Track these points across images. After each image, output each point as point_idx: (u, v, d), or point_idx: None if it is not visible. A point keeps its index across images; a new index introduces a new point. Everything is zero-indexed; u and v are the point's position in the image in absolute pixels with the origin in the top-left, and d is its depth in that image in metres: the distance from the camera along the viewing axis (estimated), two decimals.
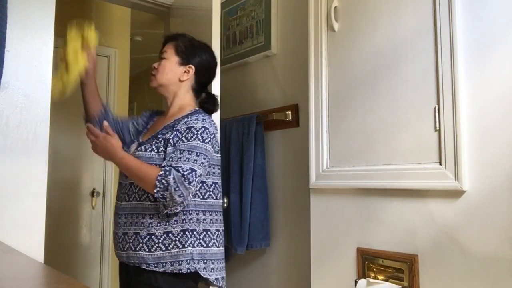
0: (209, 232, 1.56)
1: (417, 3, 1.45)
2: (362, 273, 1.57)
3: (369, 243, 1.56)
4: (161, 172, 1.41)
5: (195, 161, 1.46)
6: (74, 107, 3.11)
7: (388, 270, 1.49)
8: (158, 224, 1.50)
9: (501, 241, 1.22)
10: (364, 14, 1.63)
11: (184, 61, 1.65)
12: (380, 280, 1.51)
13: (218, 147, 1.64)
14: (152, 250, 1.49)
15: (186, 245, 1.49)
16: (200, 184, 1.55)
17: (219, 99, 1.76)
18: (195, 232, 1.52)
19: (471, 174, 1.29)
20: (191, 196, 1.50)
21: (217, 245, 1.58)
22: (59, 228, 3.03)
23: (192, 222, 1.52)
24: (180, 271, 1.48)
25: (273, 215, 2.24)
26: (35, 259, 1.09)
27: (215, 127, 1.60)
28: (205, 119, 1.56)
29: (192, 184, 1.43)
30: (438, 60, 1.38)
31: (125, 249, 1.54)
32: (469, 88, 1.32)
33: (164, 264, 1.48)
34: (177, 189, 1.39)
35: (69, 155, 3.12)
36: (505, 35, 1.25)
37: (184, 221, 1.51)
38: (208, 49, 1.74)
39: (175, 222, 1.50)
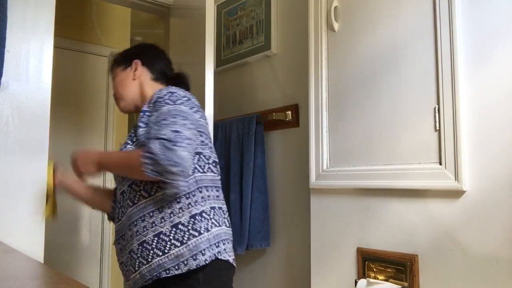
0: (216, 210, 1.39)
1: (417, 3, 1.46)
2: (362, 273, 1.57)
3: (369, 243, 1.56)
4: (142, 149, 1.26)
5: (174, 123, 1.26)
6: (74, 107, 3.11)
7: (388, 270, 1.49)
8: (162, 220, 1.31)
9: (501, 241, 1.22)
10: (364, 14, 1.63)
11: (127, 64, 1.56)
12: (380, 280, 1.51)
13: (200, 111, 1.44)
14: (166, 251, 1.29)
15: (202, 231, 1.31)
16: (198, 156, 1.38)
17: (188, 76, 1.65)
18: (204, 214, 1.34)
19: (471, 174, 1.29)
20: (191, 164, 1.27)
21: (227, 225, 1.43)
22: (59, 228, 3.02)
23: (198, 203, 1.34)
24: (206, 262, 1.29)
25: (273, 215, 2.24)
26: (35, 259, 1.08)
27: (189, 94, 1.43)
28: (169, 87, 1.41)
29: (181, 145, 1.21)
30: (438, 60, 1.38)
31: (136, 269, 1.33)
32: (469, 88, 1.32)
33: (186, 262, 1.28)
34: (164, 155, 1.19)
35: (69, 155, 3.11)
36: (505, 35, 1.25)
37: (189, 205, 1.32)
38: (140, 43, 1.69)
39: (180, 210, 1.31)
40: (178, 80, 1.60)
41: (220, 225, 1.38)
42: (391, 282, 1.47)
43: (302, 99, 2.10)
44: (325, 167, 1.74)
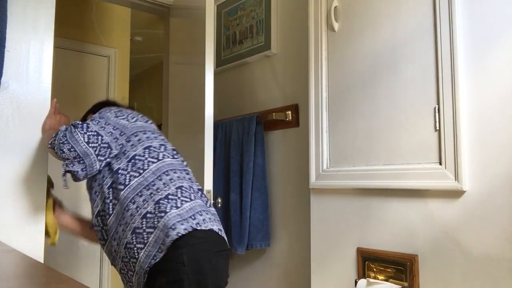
0: (183, 188, 1.42)
1: (417, 3, 1.46)
2: (362, 273, 1.57)
3: (369, 243, 1.56)
4: None
5: (89, 122, 1.45)
6: (74, 107, 3.11)
7: (388, 270, 1.49)
8: (132, 216, 1.37)
9: (501, 241, 1.22)
10: (364, 14, 1.63)
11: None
12: (380, 280, 1.51)
13: (141, 117, 1.59)
14: (145, 241, 1.34)
15: (168, 210, 1.34)
16: (147, 150, 1.46)
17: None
18: (169, 196, 1.38)
19: (471, 174, 1.29)
20: (86, 150, 1.38)
21: (201, 199, 1.45)
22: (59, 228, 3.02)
23: (161, 190, 1.39)
24: (179, 235, 1.30)
25: (273, 215, 2.24)
26: (35, 259, 1.08)
27: (108, 110, 1.55)
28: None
29: (82, 132, 1.38)
30: (438, 60, 1.38)
31: (133, 270, 1.38)
32: (469, 88, 1.32)
33: (163, 242, 1.32)
34: (64, 134, 1.37)
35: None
36: (505, 35, 1.25)
37: (152, 195, 1.38)
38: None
39: (144, 202, 1.37)
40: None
41: (192, 200, 1.41)
42: (391, 282, 1.47)
43: (302, 99, 2.10)
44: (325, 167, 1.74)
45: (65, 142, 1.36)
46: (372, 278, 1.53)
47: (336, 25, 1.73)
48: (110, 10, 3.43)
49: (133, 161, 1.44)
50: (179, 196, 1.40)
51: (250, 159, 2.19)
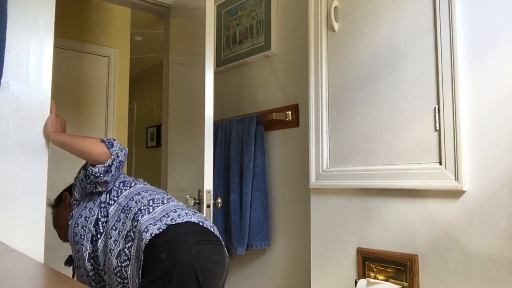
0: (155, 199, 1.49)
1: (417, 3, 1.46)
2: (362, 273, 1.57)
3: (369, 243, 1.56)
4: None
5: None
6: (74, 107, 3.11)
7: (388, 270, 1.49)
8: (115, 242, 1.44)
9: (501, 241, 1.22)
10: (364, 14, 1.63)
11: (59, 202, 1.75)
12: (380, 280, 1.51)
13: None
14: (128, 255, 1.40)
15: (140, 219, 1.41)
16: (122, 183, 1.59)
17: None
18: (142, 208, 1.45)
19: (471, 174, 1.29)
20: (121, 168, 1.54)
21: (175, 201, 1.52)
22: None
23: (134, 207, 1.47)
24: (152, 235, 1.34)
25: (273, 215, 2.24)
26: (35, 259, 1.08)
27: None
28: None
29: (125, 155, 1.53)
30: (438, 60, 1.38)
31: None
32: (469, 88, 1.32)
33: (141, 248, 1.38)
34: (121, 149, 1.50)
35: (69, 155, 3.11)
36: (505, 35, 1.25)
37: (127, 215, 1.46)
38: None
39: (123, 224, 1.46)
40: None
41: (165, 203, 1.48)
42: (391, 282, 1.47)
43: (302, 99, 2.10)
44: (325, 167, 1.74)
45: (123, 160, 1.51)
46: (372, 278, 1.53)
47: (336, 25, 1.73)
48: (110, 10, 3.43)
49: (109, 191, 1.55)
50: (151, 204, 1.47)
51: (250, 159, 2.19)
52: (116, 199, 1.53)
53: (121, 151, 1.51)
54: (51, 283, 0.82)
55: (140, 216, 1.42)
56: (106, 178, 1.49)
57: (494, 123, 1.26)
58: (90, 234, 1.51)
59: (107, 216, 1.50)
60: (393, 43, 1.52)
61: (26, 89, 1.54)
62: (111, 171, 1.49)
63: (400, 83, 1.49)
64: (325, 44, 1.78)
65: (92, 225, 1.51)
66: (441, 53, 1.37)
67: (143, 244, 1.34)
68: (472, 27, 1.32)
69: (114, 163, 1.49)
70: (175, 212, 1.43)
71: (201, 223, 1.43)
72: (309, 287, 1.78)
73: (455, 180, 1.31)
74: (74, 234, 1.55)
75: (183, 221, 1.39)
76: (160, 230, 1.34)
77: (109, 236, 1.47)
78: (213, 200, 1.93)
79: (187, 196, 1.94)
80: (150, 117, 5.34)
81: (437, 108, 1.38)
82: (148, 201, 1.49)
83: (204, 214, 1.88)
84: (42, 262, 1.47)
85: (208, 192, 1.90)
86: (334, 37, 1.75)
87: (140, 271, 1.35)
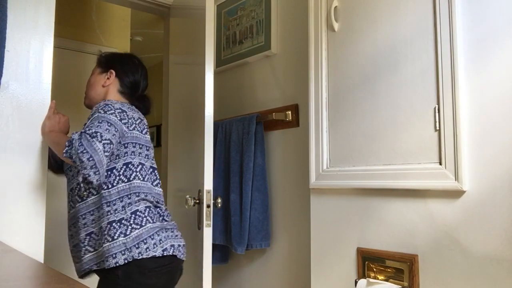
0: (137, 213, 1.49)
1: (417, 3, 1.46)
2: (362, 273, 1.57)
3: (369, 243, 1.56)
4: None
5: (99, 126, 1.40)
6: (74, 107, 3.11)
7: (388, 270, 1.49)
8: (85, 225, 1.52)
9: (501, 241, 1.22)
10: (364, 14, 1.63)
11: (105, 69, 1.70)
12: (380, 280, 1.51)
13: (138, 126, 1.57)
14: (92, 248, 1.52)
15: (115, 238, 1.44)
16: (124, 167, 1.51)
17: (151, 101, 1.79)
18: (122, 220, 1.46)
19: (471, 174, 1.29)
20: (102, 159, 1.38)
21: (152, 221, 1.51)
22: (59, 228, 3.02)
23: (118, 212, 1.46)
24: (117, 264, 1.42)
25: (273, 215, 2.24)
26: (35, 259, 1.08)
27: (128, 107, 1.57)
28: (110, 99, 1.57)
29: (98, 141, 1.36)
30: (438, 60, 1.38)
31: (82, 256, 1.54)
32: (469, 88, 1.32)
33: (105, 260, 1.44)
34: (80, 142, 1.33)
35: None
36: (505, 35, 1.25)
37: (108, 213, 1.46)
38: (127, 55, 1.81)
39: (99, 218, 1.48)
40: (140, 100, 1.74)
41: (143, 226, 1.48)
42: (391, 282, 1.47)
43: (302, 99, 2.10)
44: (325, 167, 1.74)
45: (84, 151, 1.33)
46: (372, 278, 1.53)
47: (336, 25, 1.73)
48: (110, 10, 3.43)
49: (108, 172, 1.49)
50: (131, 222, 1.47)
51: (250, 159, 2.19)
52: (110, 187, 1.49)
53: (78, 150, 1.34)
54: (51, 283, 0.82)
55: (116, 232, 1.46)
56: (95, 178, 1.39)
57: (494, 123, 1.26)
58: (109, 158, 1.47)
59: (92, 194, 1.52)
60: (393, 43, 1.52)
61: (26, 89, 1.54)
62: (89, 175, 1.36)
63: (400, 83, 1.49)
64: (325, 44, 1.78)
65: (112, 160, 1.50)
66: (441, 53, 1.37)
67: (106, 265, 1.45)
68: (472, 27, 1.32)
69: (78, 167, 1.36)
70: (153, 239, 1.48)
71: (171, 252, 1.52)
72: (309, 287, 1.78)
73: (455, 180, 1.31)
74: (108, 142, 1.42)
75: (148, 257, 1.46)
76: (122, 262, 1.43)
77: (82, 216, 1.53)
78: (213, 200, 1.93)
79: (187, 196, 1.94)
80: (150, 117, 5.32)
81: (437, 108, 1.38)
82: (131, 214, 1.49)
83: (204, 214, 1.88)
84: (42, 262, 1.47)
85: (208, 192, 1.90)
86: (334, 37, 1.75)
87: (97, 267, 1.51)
